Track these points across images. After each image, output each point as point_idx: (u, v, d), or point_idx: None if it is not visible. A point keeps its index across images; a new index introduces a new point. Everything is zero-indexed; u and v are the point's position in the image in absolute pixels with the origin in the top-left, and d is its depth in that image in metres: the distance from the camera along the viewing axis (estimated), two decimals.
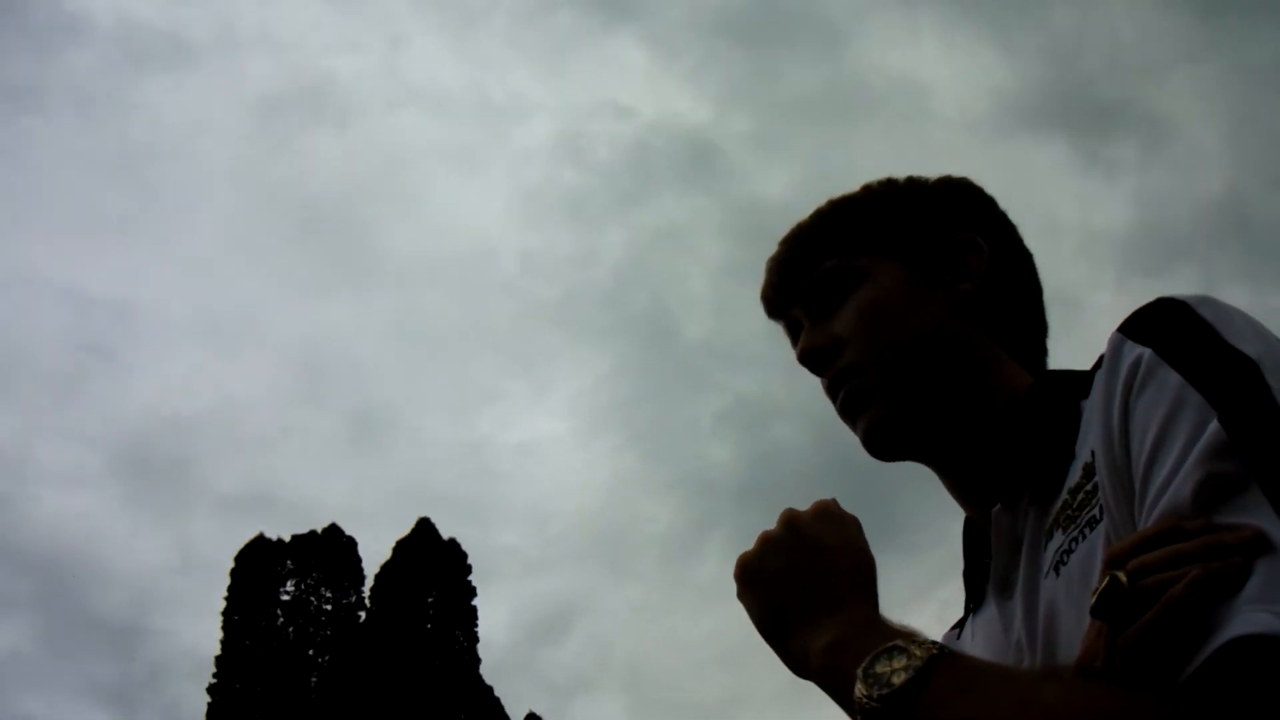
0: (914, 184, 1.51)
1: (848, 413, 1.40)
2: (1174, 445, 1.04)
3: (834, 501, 1.33)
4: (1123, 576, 0.98)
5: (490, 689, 49.41)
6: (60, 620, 77.81)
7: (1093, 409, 1.21)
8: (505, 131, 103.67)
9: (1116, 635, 0.98)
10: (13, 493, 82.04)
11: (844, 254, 1.44)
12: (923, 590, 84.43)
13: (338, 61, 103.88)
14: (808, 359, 1.43)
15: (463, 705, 47.82)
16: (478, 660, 49.90)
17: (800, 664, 1.22)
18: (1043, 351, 1.47)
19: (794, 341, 1.50)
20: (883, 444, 1.39)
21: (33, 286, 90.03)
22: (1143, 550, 1.00)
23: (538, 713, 50.83)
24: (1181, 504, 1.01)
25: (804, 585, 1.24)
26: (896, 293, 1.41)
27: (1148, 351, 1.12)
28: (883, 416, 1.38)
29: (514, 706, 49.67)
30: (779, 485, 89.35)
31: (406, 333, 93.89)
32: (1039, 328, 1.48)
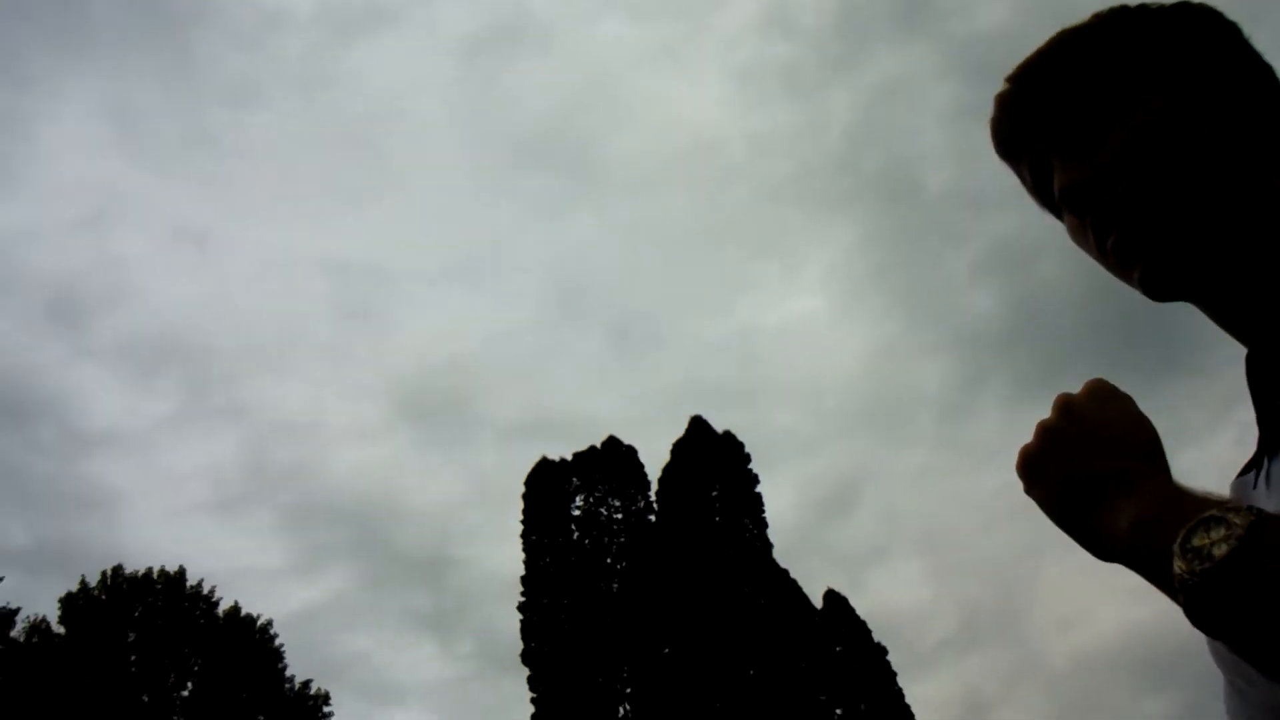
0: (1155, 6, 1.38)
1: (1122, 255, 1.30)
2: None
3: (1104, 380, 1.26)
4: None
5: (785, 572, 50.26)
6: (374, 562, 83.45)
7: None
8: (705, 19, 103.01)
9: None
10: (314, 457, 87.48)
11: (1098, 83, 1.33)
12: (1221, 410, 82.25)
13: None
14: (1070, 194, 1.31)
15: (760, 591, 48.84)
16: (769, 546, 50.76)
17: (1105, 547, 1.15)
18: None
19: (1032, 182, 1.41)
20: (1166, 287, 1.30)
21: (292, 266, 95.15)
22: None
23: (836, 589, 51.44)
24: None
25: (1094, 466, 1.17)
26: (1166, 121, 1.29)
27: None
28: (1165, 258, 1.27)
29: (811, 585, 50.24)
30: (1049, 327, 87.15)
31: (648, 238, 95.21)
32: None
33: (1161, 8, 1.37)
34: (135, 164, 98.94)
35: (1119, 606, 71.80)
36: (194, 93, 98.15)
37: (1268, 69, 1.34)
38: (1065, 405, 1.22)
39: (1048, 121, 1.35)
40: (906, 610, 72.05)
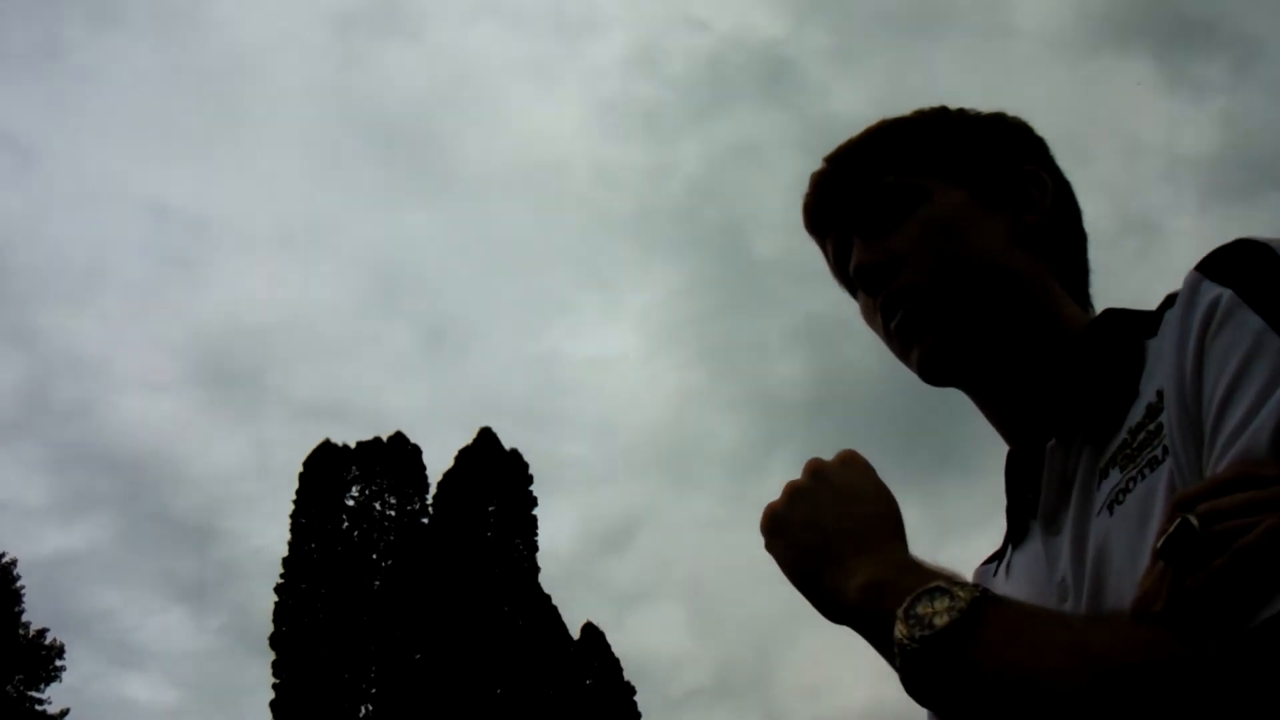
0: (972, 113, 1.47)
1: (904, 335, 1.35)
2: (1250, 389, 1.02)
3: (855, 451, 1.32)
4: (1193, 519, 0.96)
5: (548, 597, 50.03)
6: (139, 519, 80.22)
7: (1162, 347, 1.18)
8: (580, 44, 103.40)
9: (1181, 580, 0.96)
10: (97, 398, 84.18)
11: (903, 172, 1.39)
12: (988, 513, 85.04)
13: None
14: (863, 274, 1.37)
15: (520, 612, 48.52)
16: (536, 569, 50.50)
17: (834, 606, 1.21)
18: (1087, 298, 1.43)
19: (834, 260, 1.47)
20: (940, 369, 1.35)
21: (116, 200, 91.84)
22: (1215, 495, 0.98)
23: (595, 622, 51.52)
24: (1257, 449, 0.99)
25: (836, 528, 1.23)
26: (961, 214, 1.36)
27: (1227, 292, 1.09)
28: (943, 341, 1.33)
29: (574, 614, 50.43)
30: (846, 404, 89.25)
31: (480, 244, 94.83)
32: (1085, 274, 1.45)
33: (979, 114, 1.47)
34: None
35: (870, 683, 73.29)
36: (51, 1, 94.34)
37: (1066, 185, 1.45)
38: (815, 469, 1.30)
39: (853, 202, 1.41)
40: (663, 655, 72.75)
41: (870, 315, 1.42)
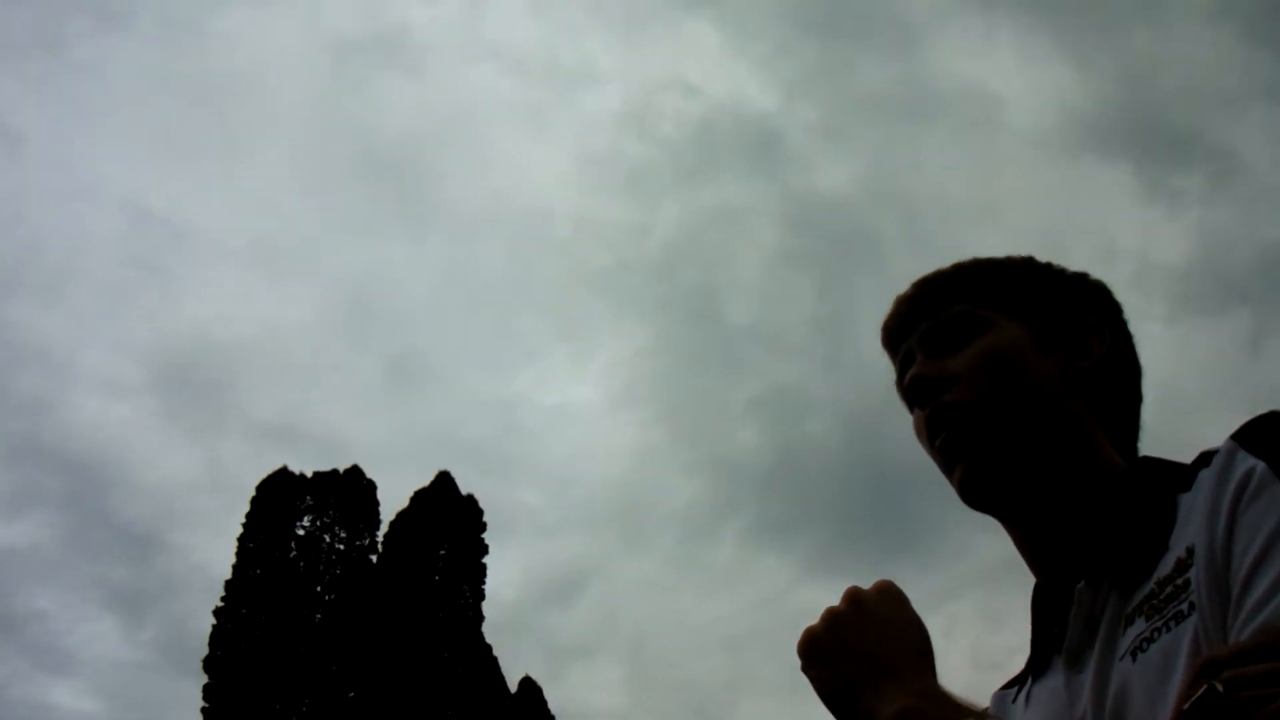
0: (1056, 266, 1.57)
1: (948, 453, 1.43)
2: (1277, 561, 1.08)
3: (893, 583, 1.39)
4: (1219, 686, 0.99)
5: (489, 647, 49.46)
6: (82, 522, 78.90)
7: (1194, 506, 1.23)
8: (574, 96, 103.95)
9: None
10: (53, 395, 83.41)
11: (974, 302, 1.49)
12: (936, 601, 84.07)
13: (416, 11, 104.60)
14: (916, 386, 1.46)
15: (460, 661, 47.91)
16: (481, 618, 49.97)
17: None
18: (1135, 451, 1.50)
19: (900, 374, 1.56)
20: (980, 493, 1.42)
21: (98, 198, 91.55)
22: (1240, 662, 1.01)
23: (534, 676, 50.89)
24: None
25: (871, 656, 1.30)
26: (1017, 348, 1.45)
27: (1261, 465, 1.15)
28: (986, 465, 1.40)
29: (513, 664, 50.07)
30: (804, 480, 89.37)
31: (455, 283, 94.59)
32: (1135, 429, 1.52)
33: (1061, 269, 1.58)
34: None
35: None
36: None
37: (1130, 345, 1.55)
38: (854, 597, 1.38)
39: (925, 323, 1.52)
40: (599, 713, 71.69)
41: (919, 429, 1.49)
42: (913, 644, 1.32)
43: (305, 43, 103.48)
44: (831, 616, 1.36)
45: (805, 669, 1.36)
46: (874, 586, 1.38)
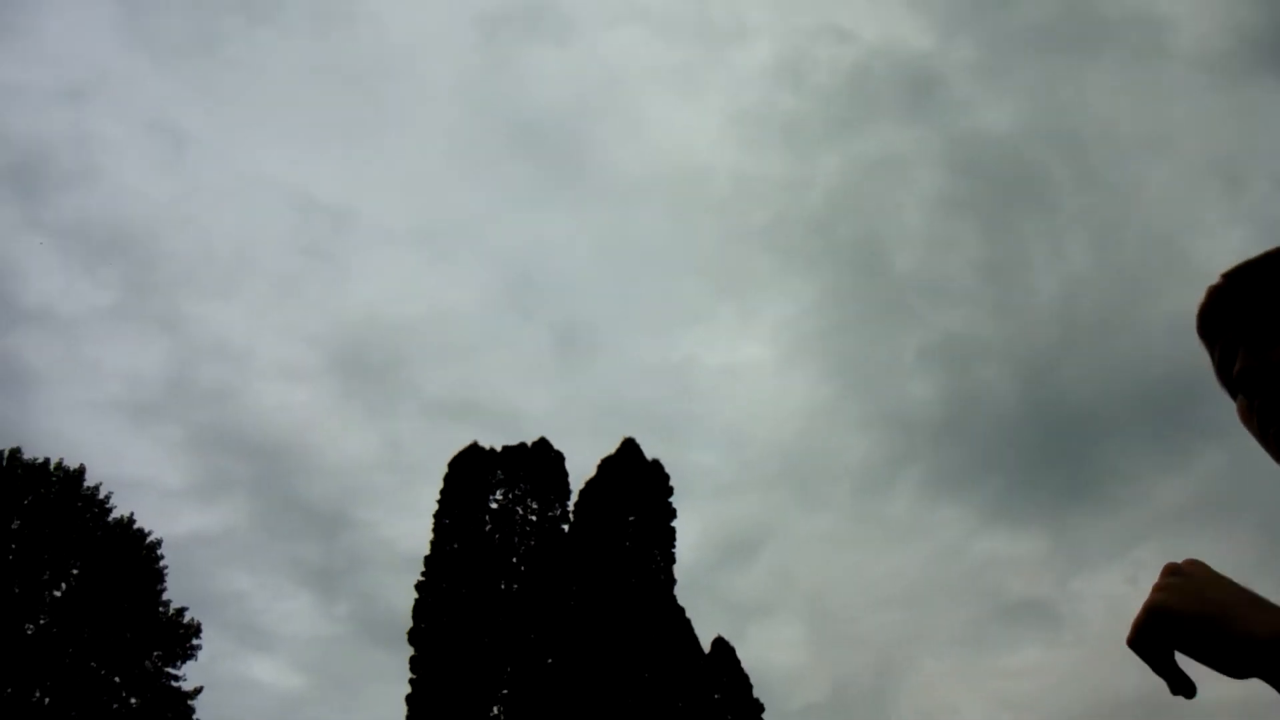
0: None
1: None
2: None
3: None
4: None
5: (682, 610, 49.79)
6: (272, 504, 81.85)
7: None
8: (724, 53, 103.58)
9: None
10: (237, 383, 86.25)
11: None
12: (1120, 547, 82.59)
13: None
14: (1245, 377, 1.49)
15: (654, 624, 48.44)
16: (673, 581, 50.37)
17: (1245, 660, 1.27)
18: None
19: (1219, 365, 1.58)
20: None
21: (263, 191, 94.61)
22: None
23: (723, 635, 51.20)
24: None
25: (1231, 588, 1.32)
26: None
27: None
28: None
29: (696, 626, 50.24)
30: (976, 428, 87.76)
31: (617, 249, 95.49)
32: None
33: None
34: (132, 47, 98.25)
35: (987, 713, 71.52)
36: None
37: None
38: (1175, 567, 1.39)
39: (1243, 316, 1.53)
40: (780, 668, 72.02)
41: (1246, 418, 1.51)
42: (1244, 590, 1.33)
43: (452, 20, 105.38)
44: (1163, 587, 1.36)
45: (1156, 634, 1.35)
46: (1186, 560, 1.40)
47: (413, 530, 48.54)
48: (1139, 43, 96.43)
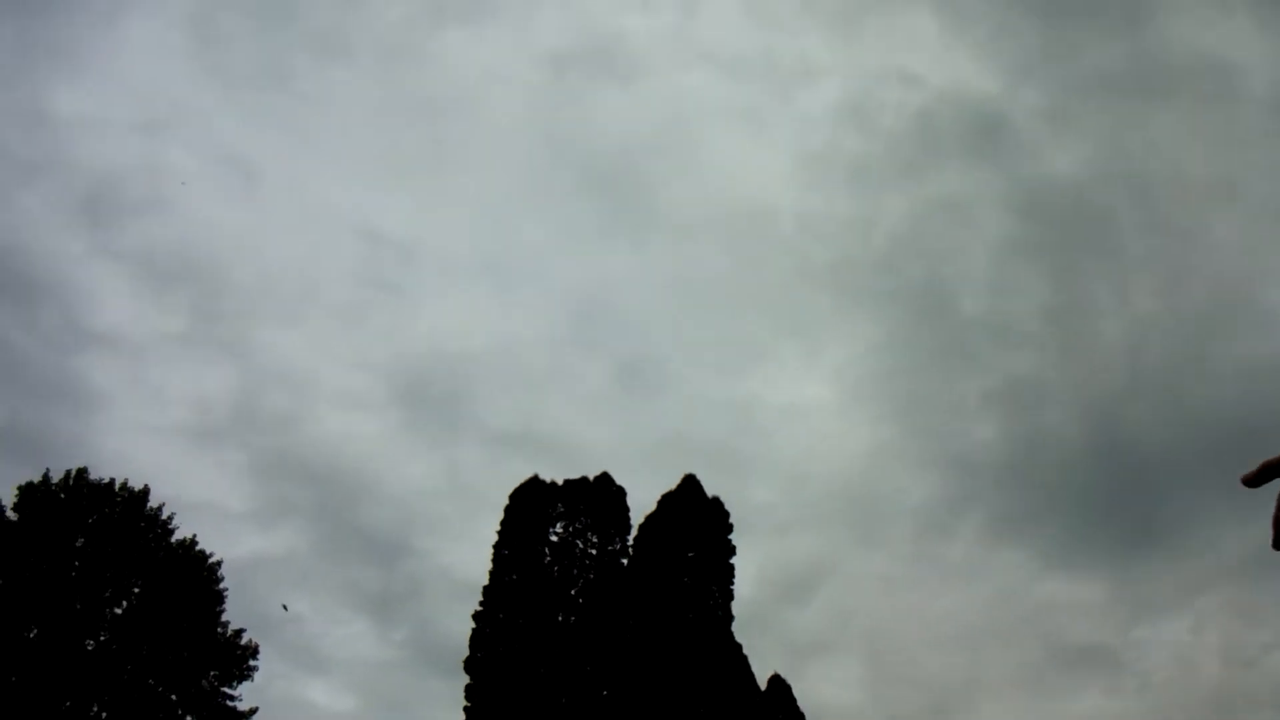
0: None
1: None
2: None
3: None
4: None
5: (739, 646, 49.57)
6: (332, 530, 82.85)
7: None
8: (791, 94, 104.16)
9: None
10: (301, 411, 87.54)
11: None
12: (1184, 596, 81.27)
13: (629, 19, 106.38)
14: None
15: (712, 661, 48.25)
16: (730, 618, 50.18)
17: None
18: None
19: None
20: None
21: (330, 222, 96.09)
22: None
23: (780, 673, 50.98)
24: None
25: None
26: None
27: None
28: None
29: (753, 663, 50.12)
30: (1041, 473, 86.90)
31: (681, 286, 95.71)
32: None
33: None
34: (207, 82, 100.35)
35: None
36: (284, 30, 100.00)
37: None
38: None
39: None
40: (837, 707, 71.41)
41: None
42: None
43: (520, 58, 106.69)
44: None
45: None
46: None
47: (471, 559, 49.30)
48: (1209, 88, 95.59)
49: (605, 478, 53.19)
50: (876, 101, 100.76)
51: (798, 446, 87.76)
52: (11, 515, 38.20)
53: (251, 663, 40.78)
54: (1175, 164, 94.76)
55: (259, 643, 41.39)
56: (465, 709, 46.73)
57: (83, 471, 39.76)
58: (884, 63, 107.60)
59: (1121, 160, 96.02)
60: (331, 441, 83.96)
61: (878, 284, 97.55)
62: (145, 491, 40.48)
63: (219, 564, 41.23)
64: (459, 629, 48.32)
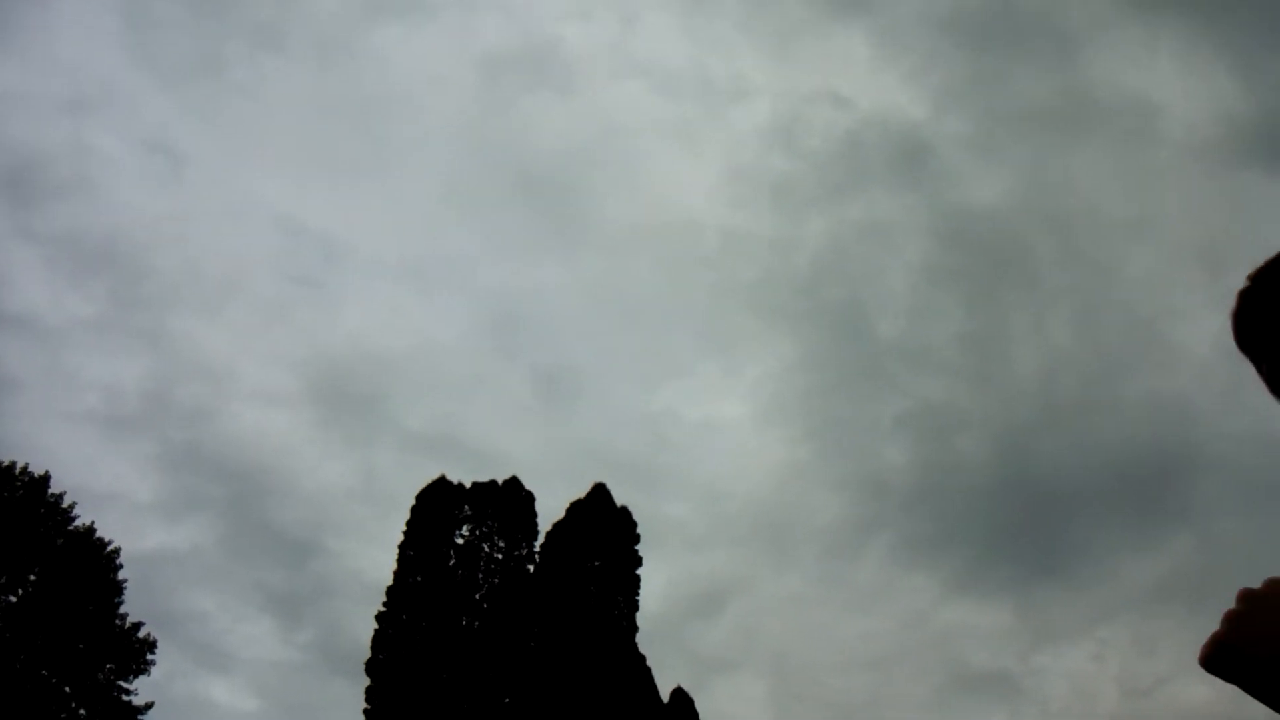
0: None
1: None
2: None
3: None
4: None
5: (643, 658, 49.51)
6: (241, 527, 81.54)
7: None
8: (723, 111, 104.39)
9: None
10: (216, 405, 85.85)
11: None
12: (1086, 624, 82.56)
13: (568, 28, 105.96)
14: None
15: (615, 671, 48.17)
16: (635, 629, 50.11)
17: None
18: None
19: (1268, 379, 1.47)
20: None
21: (255, 215, 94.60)
22: None
23: (684, 687, 50.89)
24: None
25: None
26: None
27: None
28: None
29: (658, 676, 50.04)
30: (951, 497, 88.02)
31: (604, 297, 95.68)
32: None
33: None
34: (136, 65, 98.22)
35: None
36: (218, 18, 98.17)
37: None
38: (1250, 593, 1.28)
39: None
40: None
41: None
42: None
43: (456, 61, 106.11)
44: (1236, 616, 1.26)
45: (1222, 667, 1.26)
46: (1264, 583, 1.28)
47: (383, 562, 48.62)
48: (1131, 127, 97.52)
49: (514, 482, 52.90)
50: (805, 123, 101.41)
51: (713, 463, 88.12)
52: None
53: (149, 656, 39.74)
54: (1094, 199, 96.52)
55: (160, 638, 40.43)
56: (365, 711, 46.17)
57: None
58: (815, 85, 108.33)
59: (1042, 192, 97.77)
60: (246, 437, 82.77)
61: (798, 304, 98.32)
62: (46, 477, 39.37)
63: (117, 552, 40.15)
64: (367, 633, 47.66)
